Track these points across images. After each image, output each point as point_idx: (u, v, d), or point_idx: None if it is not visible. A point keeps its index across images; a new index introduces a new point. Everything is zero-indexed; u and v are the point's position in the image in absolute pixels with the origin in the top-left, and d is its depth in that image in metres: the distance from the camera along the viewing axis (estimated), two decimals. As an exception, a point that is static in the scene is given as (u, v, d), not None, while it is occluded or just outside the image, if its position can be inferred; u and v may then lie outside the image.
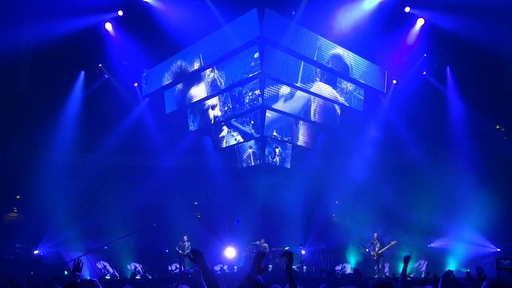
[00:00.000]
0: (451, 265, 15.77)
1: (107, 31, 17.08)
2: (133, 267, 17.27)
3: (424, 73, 18.45)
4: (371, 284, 4.03)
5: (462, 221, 16.31)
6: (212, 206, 19.15)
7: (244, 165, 17.14)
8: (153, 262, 17.66)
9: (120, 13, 16.60)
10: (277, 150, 16.79)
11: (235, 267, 16.08)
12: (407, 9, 16.44)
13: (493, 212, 15.13)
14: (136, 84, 19.00)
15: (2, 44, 14.56)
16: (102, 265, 17.07)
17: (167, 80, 17.36)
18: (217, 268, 16.39)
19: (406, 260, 5.96)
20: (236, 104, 15.88)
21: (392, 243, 15.48)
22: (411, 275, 15.33)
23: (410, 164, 18.07)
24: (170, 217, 17.74)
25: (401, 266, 7.54)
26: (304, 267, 16.05)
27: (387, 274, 15.39)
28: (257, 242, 16.57)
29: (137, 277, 15.32)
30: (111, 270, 17.10)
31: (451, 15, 15.46)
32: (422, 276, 15.02)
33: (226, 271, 16.04)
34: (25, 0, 14.72)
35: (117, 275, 16.15)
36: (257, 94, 15.01)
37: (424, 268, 16.77)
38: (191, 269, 6.88)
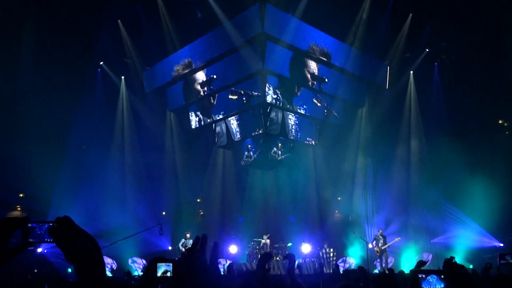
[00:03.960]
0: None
1: (109, 29, 17.03)
2: (134, 263, 17.28)
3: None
4: (373, 278, 3.99)
5: (466, 216, 16.26)
6: (214, 202, 19.12)
7: (247, 161, 17.09)
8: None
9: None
10: (280, 146, 16.71)
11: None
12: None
13: (496, 207, 15.06)
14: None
15: (4, 43, 14.55)
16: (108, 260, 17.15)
17: (169, 77, 17.32)
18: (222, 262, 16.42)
19: (421, 265, 5.63)
20: (238, 101, 15.85)
21: (396, 239, 15.43)
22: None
23: (414, 159, 17.99)
24: (173, 214, 17.73)
25: (410, 265, 7.43)
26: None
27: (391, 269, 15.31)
28: (261, 239, 16.51)
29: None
30: (114, 266, 17.13)
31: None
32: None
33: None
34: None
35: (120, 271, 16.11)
36: (259, 91, 14.97)
37: (429, 262, 16.73)
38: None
